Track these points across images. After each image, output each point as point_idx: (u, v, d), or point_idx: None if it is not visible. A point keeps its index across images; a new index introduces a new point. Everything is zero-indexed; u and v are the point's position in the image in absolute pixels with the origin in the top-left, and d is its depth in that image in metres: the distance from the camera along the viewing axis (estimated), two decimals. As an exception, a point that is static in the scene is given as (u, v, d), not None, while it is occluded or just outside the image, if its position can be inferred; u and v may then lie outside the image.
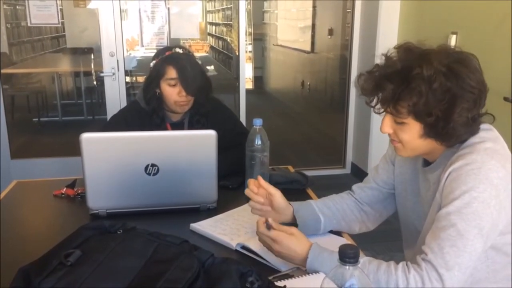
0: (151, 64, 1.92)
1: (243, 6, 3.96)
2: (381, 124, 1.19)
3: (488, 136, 1.14)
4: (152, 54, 1.97)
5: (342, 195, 1.47)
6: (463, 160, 1.09)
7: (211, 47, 7.08)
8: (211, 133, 1.49)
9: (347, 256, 0.83)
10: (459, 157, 1.11)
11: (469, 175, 1.07)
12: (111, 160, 1.45)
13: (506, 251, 1.16)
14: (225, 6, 6.91)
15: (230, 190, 1.74)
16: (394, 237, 1.53)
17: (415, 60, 1.09)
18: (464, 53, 1.13)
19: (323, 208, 1.39)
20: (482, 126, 1.16)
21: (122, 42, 3.74)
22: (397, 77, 1.10)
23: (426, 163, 1.26)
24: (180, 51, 1.89)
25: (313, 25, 6.37)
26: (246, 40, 4.30)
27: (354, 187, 1.47)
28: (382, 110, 1.16)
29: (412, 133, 1.15)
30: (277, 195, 1.35)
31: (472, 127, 1.12)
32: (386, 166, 1.41)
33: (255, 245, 1.25)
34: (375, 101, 1.18)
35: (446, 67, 1.07)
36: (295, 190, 1.76)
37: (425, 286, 1.03)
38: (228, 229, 1.41)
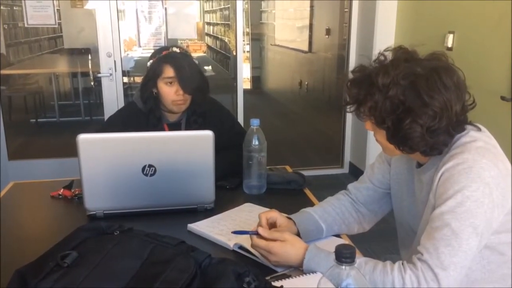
0: (148, 64, 1.91)
1: (240, 6, 3.94)
2: None
3: (479, 135, 1.14)
4: (150, 55, 1.97)
5: (339, 196, 1.47)
6: (455, 159, 1.10)
7: (209, 47, 7.08)
8: (208, 134, 1.49)
9: (343, 256, 0.83)
10: (451, 157, 1.11)
11: (461, 175, 1.07)
12: (108, 161, 1.45)
13: (501, 251, 1.16)
14: (222, 6, 6.90)
15: (228, 191, 1.74)
16: (392, 236, 1.53)
17: (378, 68, 1.13)
18: (446, 67, 1.11)
19: (324, 214, 1.39)
20: (471, 127, 1.16)
21: (119, 42, 3.74)
22: (361, 83, 1.16)
23: (419, 163, 1.26)
24: (177, 50, 1.89)
25: (311, 25, 6.37)
26: (243, 40, 4.28)
27: (350, 186, 1.47)
28: (348, 110, 1.22)
29: (382, 136, 1.18)
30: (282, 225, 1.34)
31: (432, 140, 1.11)
32: (382, 166, 1.42)
33: (252, 246, 1.25)
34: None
35: (408, 80, 1.08)
36: (292, 190, 1.76)
37: (421, 286, 1.03)
38: (226, 229, 1.40)
